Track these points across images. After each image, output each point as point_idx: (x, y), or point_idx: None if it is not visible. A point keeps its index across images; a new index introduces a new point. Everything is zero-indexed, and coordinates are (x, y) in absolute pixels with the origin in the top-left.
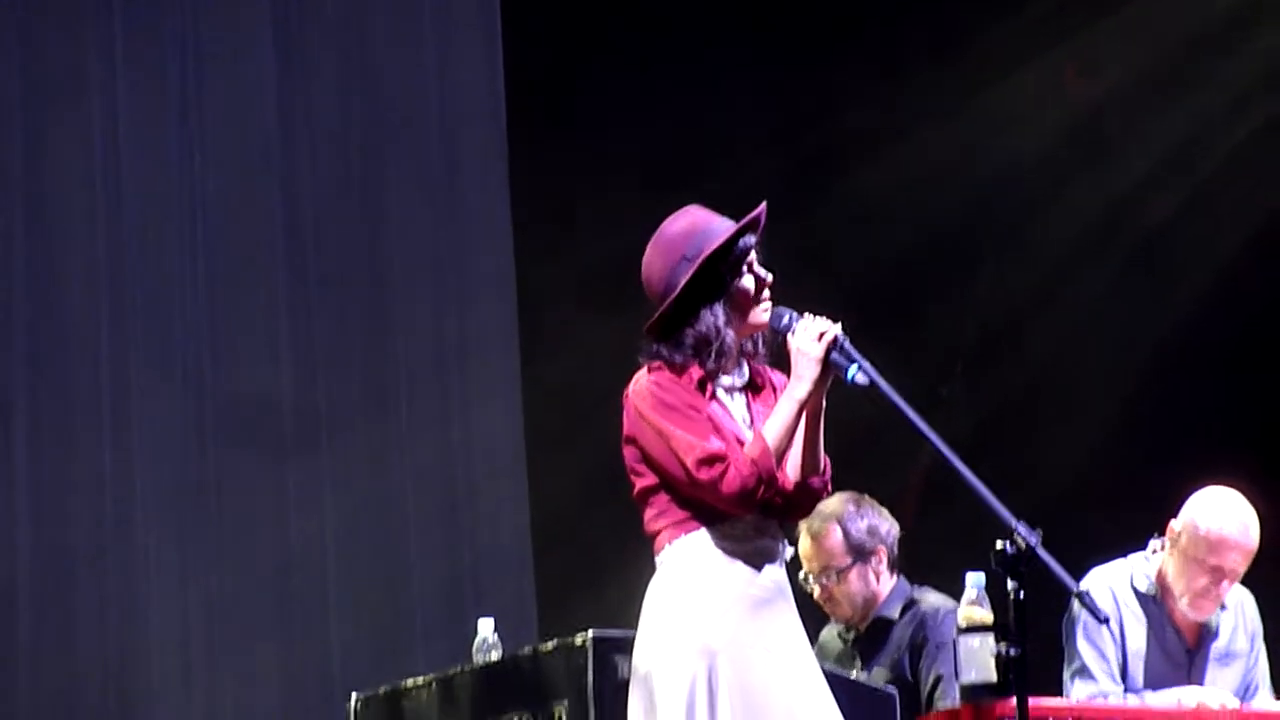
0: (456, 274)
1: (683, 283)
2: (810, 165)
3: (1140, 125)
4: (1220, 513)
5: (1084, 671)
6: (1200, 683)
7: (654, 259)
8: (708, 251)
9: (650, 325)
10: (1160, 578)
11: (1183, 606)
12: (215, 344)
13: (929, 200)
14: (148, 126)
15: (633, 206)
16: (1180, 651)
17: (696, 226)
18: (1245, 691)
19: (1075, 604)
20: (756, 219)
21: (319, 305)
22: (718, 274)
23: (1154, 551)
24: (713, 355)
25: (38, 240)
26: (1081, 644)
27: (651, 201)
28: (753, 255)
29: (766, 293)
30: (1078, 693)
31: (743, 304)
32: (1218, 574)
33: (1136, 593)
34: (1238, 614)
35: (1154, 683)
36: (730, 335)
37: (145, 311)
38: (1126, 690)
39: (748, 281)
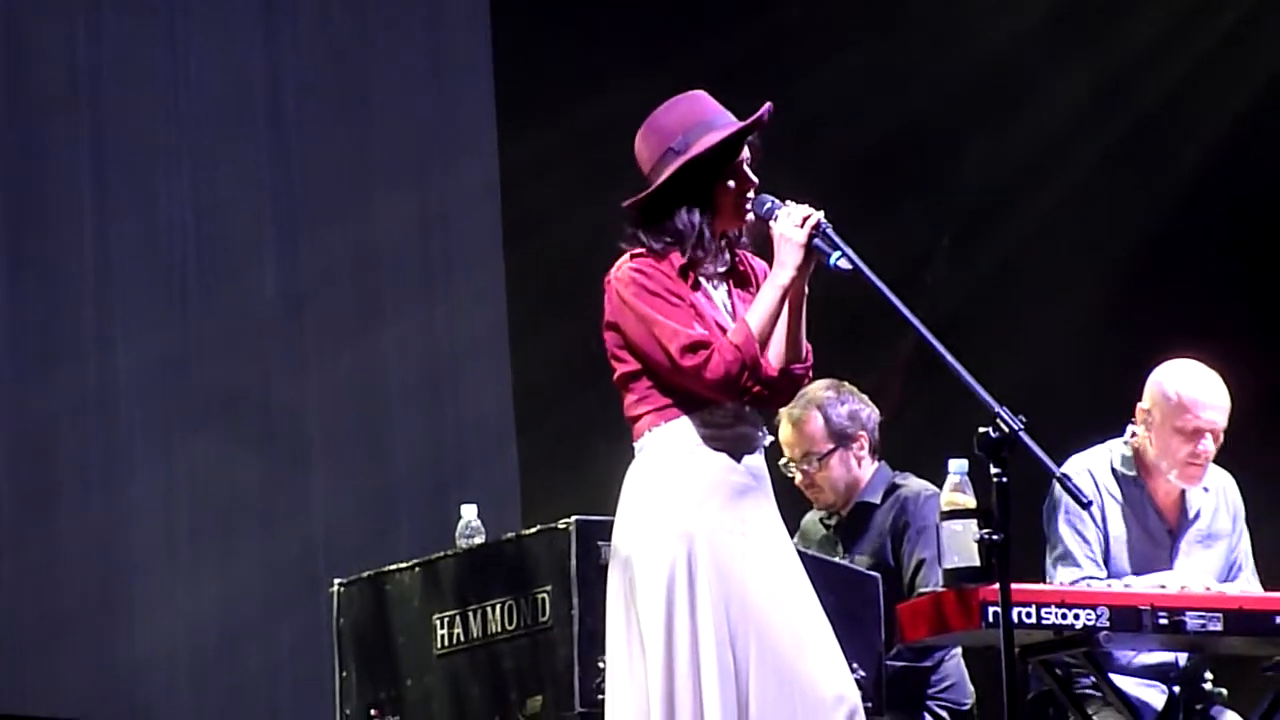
0: (439, 148)
1: (662, 178)
2: (792, 43)
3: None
4: (1184, 376)
5: (1066, 557)
6: (1183, 564)
7: (643, 143)
8: (693, 153)
9: (629, 206)
10: (1140, 459)
11: (1173, 479)
12: (200, 235)
13: (913, 81)
14: (133, 33)
15: (619, 82)
16: (1162, 533)
17: (692, 118)
18: (1229, 571)
19: (1056, 488)
20: (755, 123)
21: (301, 185)
22: (701, 176)
23: (1132, 435)
24: (688, 248)
25: (22, 144)
26: (1063, 529)
27: (638, 77)
28: (744, 156)
29: (748, 198)
30: (1060, 578)
31: (723, 206)
32: (1198, 435)
33: (1117, 475)
34: (1219, 496)
35: (1137, 564)
36: (707, 233)
37: (130, 213)
38: (1110, 574)
39: (731, 185)
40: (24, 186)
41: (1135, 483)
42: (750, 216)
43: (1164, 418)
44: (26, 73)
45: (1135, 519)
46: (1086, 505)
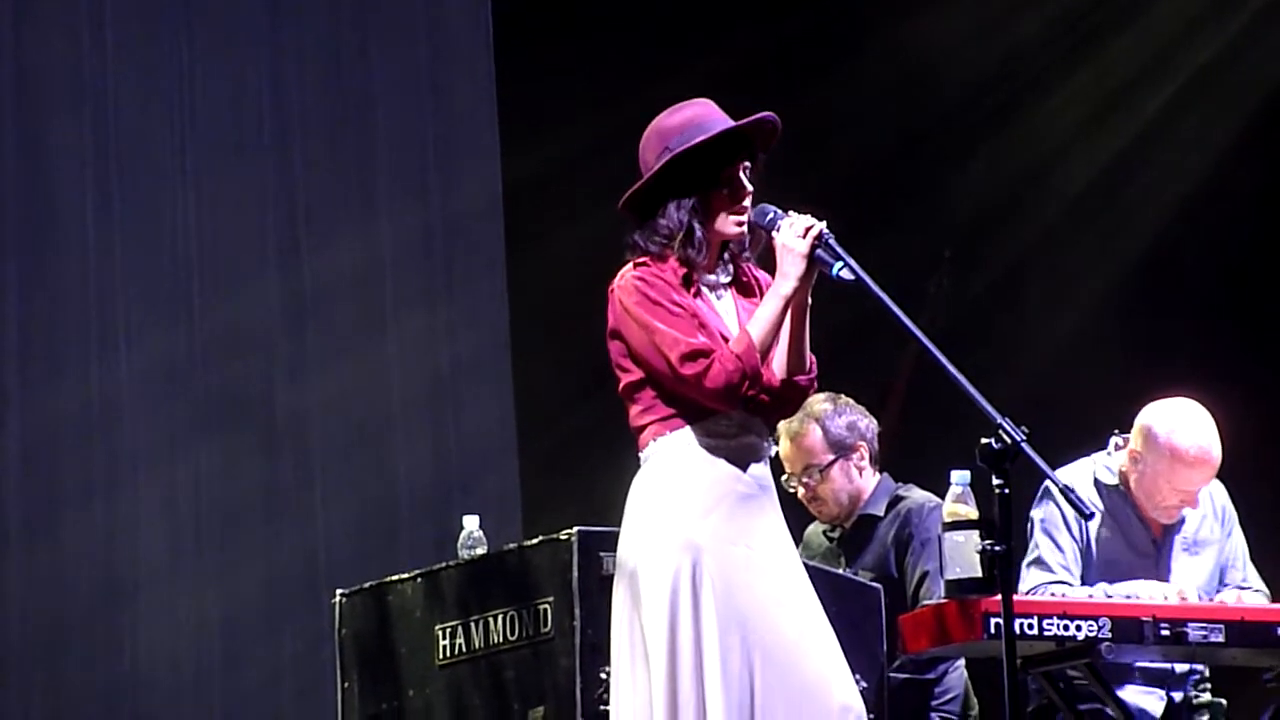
0: (442, 160)
1: (651, 172)
2: (794, 55)
3: (1134, 12)
4: (1181, 432)
5: (1040, 562)
6: (1167, 571)
7: (645, 144)
8: (681, 149)
9: (623, 206)
10: (1124, 478)
11: (1151, 514)
12: (204, 244)
13: (915, 92)
14: (138, 41)
15: (622, 95)
16: (1146, 542)
17: (693, 121)
18: (1220, 576)
19: (1043, 498)
20: (751, 128)
21: (305, 196)
22: (693, 176)
23: (1115, 448)
24: (678, 246)
25: (27, 152)
26: (1040, 536)
27: (641, 90)
28: (739, 164)
29: (740, 207)
30: (1030, 580)
31: (716, 211)
32: (1186, 494)
33: (1100, 488)
34: (1207, 503)
35: (1121, 574)
36: (699, 234)
37: (134, 222)
38: (1086, 583)
39: (724, 191)
40: (29, 193)
41: (1118, 493)
42: (744, 228)
43: (1156, 470)
44: (32, 80)
45: (1120, 530)
46: (1089, 516)
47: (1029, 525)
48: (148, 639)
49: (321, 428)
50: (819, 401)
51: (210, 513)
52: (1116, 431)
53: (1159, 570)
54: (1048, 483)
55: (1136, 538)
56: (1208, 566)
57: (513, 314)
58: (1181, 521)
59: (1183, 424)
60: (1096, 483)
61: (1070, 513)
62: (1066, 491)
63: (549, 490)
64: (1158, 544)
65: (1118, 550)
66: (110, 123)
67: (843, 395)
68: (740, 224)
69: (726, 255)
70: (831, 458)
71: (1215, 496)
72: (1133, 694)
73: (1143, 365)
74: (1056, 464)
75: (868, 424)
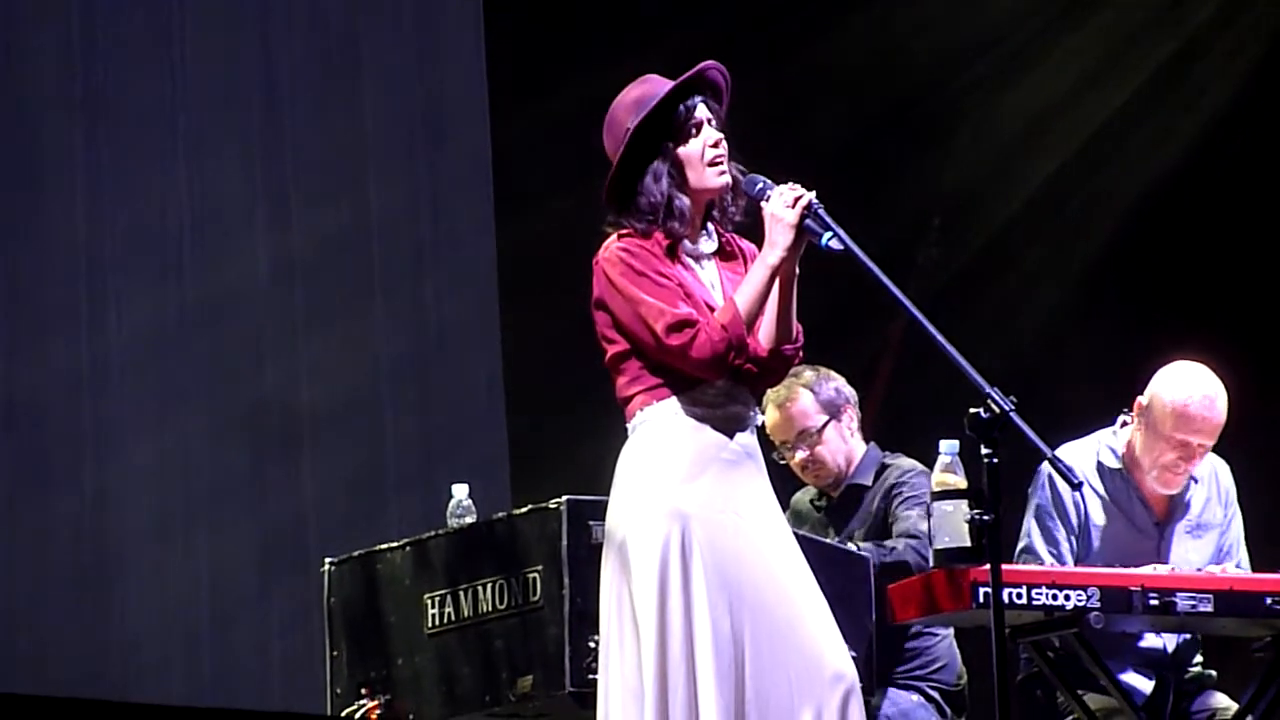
0: (430, 126)
1: (619, 153)
2: (782, 22)
3: None
4: (1187, 387)
5: (1029, 551)
6: (1168, 553)
7: (607, 129)
8: (639, 119)
9: (604, 195)
10: (1129, 451)
11: (1150, 480)
12: (193, 213)
13: (904, 60)
14: (128, 7)
15: (611, 61)
16: (1149, 524)
17: (647, 94)
18: (1219, 557)
19: (1038, 476)
20: (694, 82)
21: (293, 164)
22: (659, 142)
23: (1122, 425)
24: (662, 219)
25: (15, 118)
26: (1032, 524)
27: (630, 57)
28: (701, 117)
29: (716, 154)
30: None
31: (689, 168)
32: (1185, 449)
33: (1102, 470)
34: (1210, 484)
35: (1122, 557)
36: (680, 200)
37: (123, 190)
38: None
39: (693, 145)
40: (17, 161)
41: (1121, 475)
42: (725, 177)
43: (1157, 423)
44: (20, 45)
45: (1120, 512)
46: (1077, 486)
47: (1027, 501)
48: (136, 605)
49: (310, 393)
50: (803, 371)
51: (199, 478)
52: (1126, 410)
53: (1160, 552)
54: (1043, 464)
55: (1139, 520)
56: (1209, 549)
57: (501, 280)
58: (1187, 505)
59: (1184, 376)
60: (1099, 466)
61: (1066, 496)
62: (1055, 460)
63: (538, 458)
64: (1160, 525)
65: (1119, 532)
66: (100, 85)
67: (822, 367)
68: (721, 173)
69: (710, 225)
70: (825, 418)
71: (1220, 478)
72: (1125, 675)
73: (1132, 336)
74: (1049, 434)
75: (850, 390)
